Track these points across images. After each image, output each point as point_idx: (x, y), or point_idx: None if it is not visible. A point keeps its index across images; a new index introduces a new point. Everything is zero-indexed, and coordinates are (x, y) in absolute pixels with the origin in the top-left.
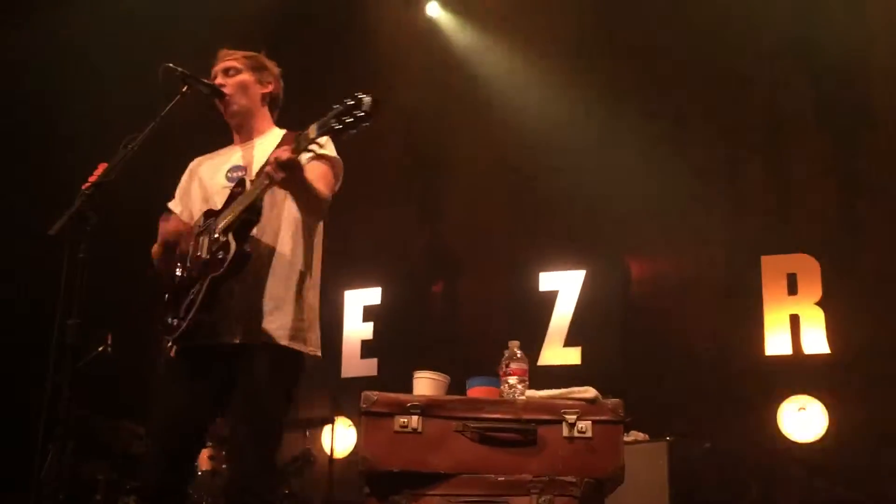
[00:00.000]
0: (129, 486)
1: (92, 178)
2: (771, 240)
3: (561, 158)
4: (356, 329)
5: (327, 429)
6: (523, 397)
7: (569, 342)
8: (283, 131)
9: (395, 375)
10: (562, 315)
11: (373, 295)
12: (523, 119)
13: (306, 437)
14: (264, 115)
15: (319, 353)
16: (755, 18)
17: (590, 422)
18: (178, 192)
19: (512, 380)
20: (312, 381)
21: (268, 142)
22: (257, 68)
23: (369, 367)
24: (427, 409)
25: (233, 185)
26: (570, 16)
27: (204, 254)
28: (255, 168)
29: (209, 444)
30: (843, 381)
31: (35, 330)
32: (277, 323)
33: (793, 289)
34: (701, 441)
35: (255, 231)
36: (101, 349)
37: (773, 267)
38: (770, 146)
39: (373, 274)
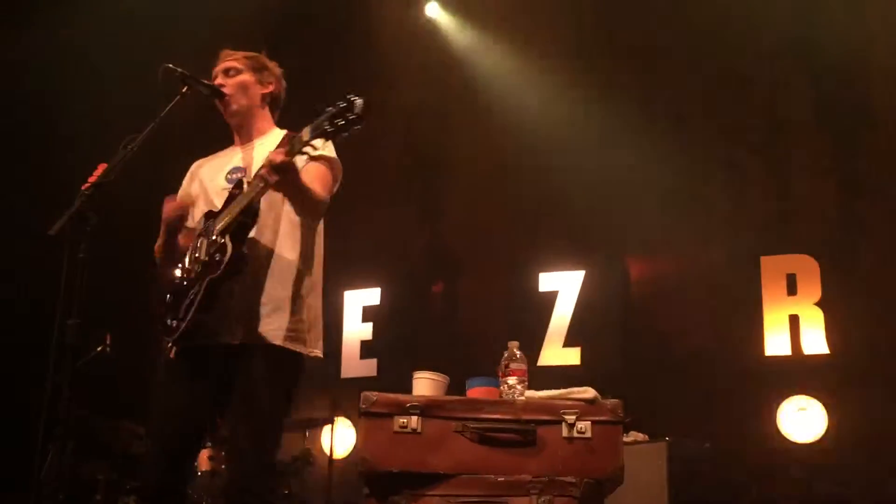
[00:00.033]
0: (129, 486)
1: (92, 179)
2: (771, 240)
3: (561, 158)
4: (356, 329)
5: (327, 429)
6: (523, 398)
7: (568, 342)
8: (284, 132)
9: (394, 376)
10: (561, 315)
11: (372, 295)
12: (523, 119)
13: (306, 437)
14: (265, 115)
15: (321, 354)
16: (755, 18)
17: (589, 422)
18: (179, 195)
19: (512, 380)
20: (312, 382)
21: (268, 143)
22: (258, 69)
23: (369, 367)
24: (426, 409)
25: (231, 186)
26: (570, 16)
27: (202, 255)
28: (255, 169)
29: (209, 444)
30: (843, 381)
31: (35, 330)
32: (276, 324)
33: (792, 289)
34: (700, 441)
35: (254, 232)
36: (100, 349)
37: (773, 267)
38: (770, 146)
39: (372, 274)
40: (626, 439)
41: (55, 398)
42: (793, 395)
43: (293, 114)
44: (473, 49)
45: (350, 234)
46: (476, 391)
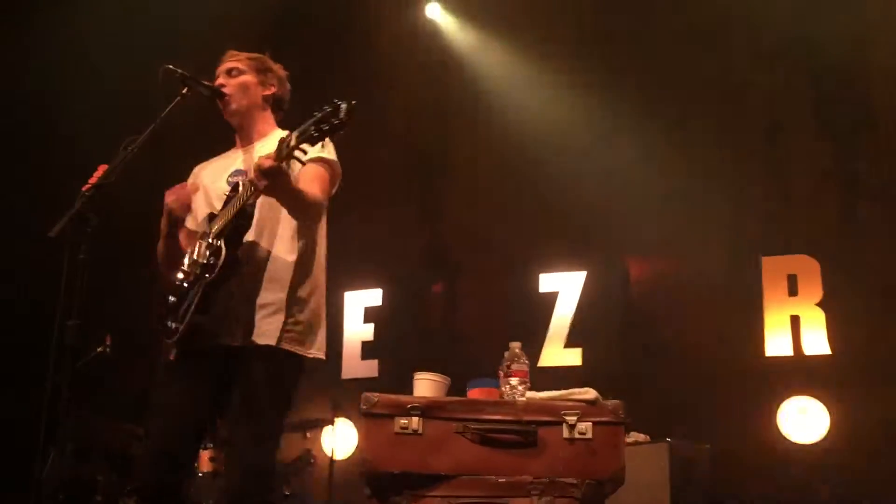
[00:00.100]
0: (129, 486)
1: (92, 180)
2: (771, 240)
3: (561, 158)
4: (357, 330)
5: (328, 430)
6: (524, 399)
7: (569, 343)
8: (286, 133)
9: (395, 377)
10: (562, 316)
11: (373, 296)
12: (523, 119)
13: (306, 438)
14: (266, 117)
15: (322, 356)
16: (755, 18)
17: (590, 423)
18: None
19: (513, 381)
20: (313, 383)
21: (269, 144)
22: (261, 70)
23: (370, 368)
24: (427, 410)
25: (230, 188)
26: (570, 16)
27: (201, 258)
28: None
29: (209, 445)
30: (844, 382)
31: (35, 330)
32: (276, 325)
33: (793, 290)
34: (701, 442)
35: (253, 234)
36: (100, 350)
37: (774, 268)
38: (770, 146)
39: (373, 275)
40: (626, 440)
41: (55, 399)
42: (793, 395)
43: (293, 114)
44: (473, 49)
45: (350, 235)
46: (477, 392)
